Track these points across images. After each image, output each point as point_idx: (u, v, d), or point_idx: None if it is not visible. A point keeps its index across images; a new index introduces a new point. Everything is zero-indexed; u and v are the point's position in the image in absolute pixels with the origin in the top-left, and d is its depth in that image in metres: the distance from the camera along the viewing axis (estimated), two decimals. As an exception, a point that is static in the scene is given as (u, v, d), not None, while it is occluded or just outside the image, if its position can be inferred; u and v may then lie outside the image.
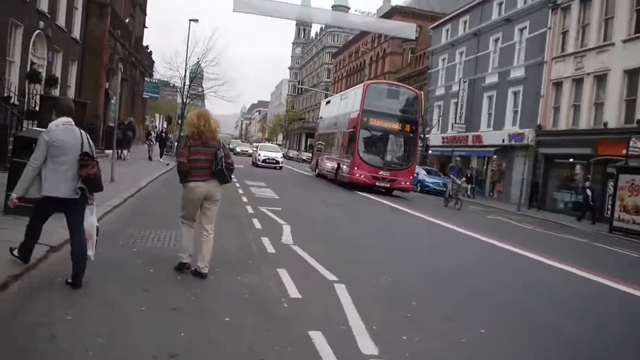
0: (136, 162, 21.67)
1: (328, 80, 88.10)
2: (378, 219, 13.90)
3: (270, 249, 7.42)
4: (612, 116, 23.00)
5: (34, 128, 7.52)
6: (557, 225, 19.44)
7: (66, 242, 6.14)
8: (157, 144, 27.76)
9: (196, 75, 35.17)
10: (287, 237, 8.60)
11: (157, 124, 61.85)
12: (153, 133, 28.15)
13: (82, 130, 4.93)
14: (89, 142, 4.83)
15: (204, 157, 5.56)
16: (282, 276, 5.92)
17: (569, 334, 5.26)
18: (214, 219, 5.85)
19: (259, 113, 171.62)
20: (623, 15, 22.95)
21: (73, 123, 4.83)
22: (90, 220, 5.01)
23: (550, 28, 27.69)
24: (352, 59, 72.63)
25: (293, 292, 5.37)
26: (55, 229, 6.50)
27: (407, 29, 31.58)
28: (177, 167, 5.83)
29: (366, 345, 4.14)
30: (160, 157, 26.44)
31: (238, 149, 51.79)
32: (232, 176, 6.10)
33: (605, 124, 23.31)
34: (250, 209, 11.64)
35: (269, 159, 33.24)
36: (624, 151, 20.14)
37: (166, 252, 6.47)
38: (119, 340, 3.68)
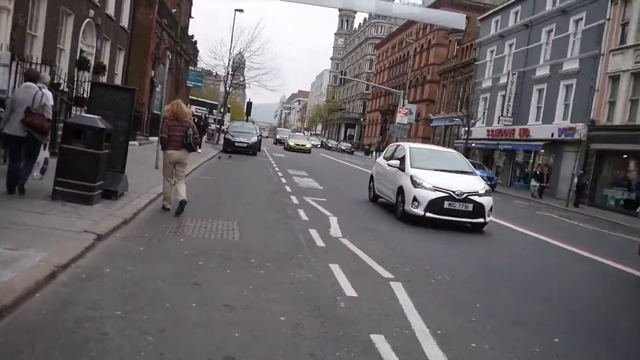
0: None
1: (370, 71, 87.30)
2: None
3: (320, 242, 7.13)
4: (673, 111, 21.75)
5: (82, 114, 7.44)
6: (610, 223, 18.53)
7: (113, 230, 6.01)
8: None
9: (239, 65, 35.13)
10: (335, 229, 8.30)
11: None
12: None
13: (43, 92, 6.78)
14: (40, 100, 6.67)
15: (178, 133, 7.82)
16: (335, 272, 5.62)
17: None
18: (183, 176, 8.13)
19: (299, 103, 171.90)
20: (689, 5, 21.62)
21: (33, 85, 6.80)
22: (43, 153, 6.98)
23: (609, 19, 26.36)
24: (395, 50, 71.68)
25: (348, 290, 5.06)
26: (104, 217, 6.39)
27: (456, 19, 30.48)
28: (160, 140, 8.07)
29: (433, 353, 3.80)
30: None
31: (291, 142, 40.49)
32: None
33: (665, 120, 22.08)
34: (295, 199, 11.39)
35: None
36: (686, 148, 19.04)
37: (214, 244, 6.25)
38: (171, 340, 3.43)
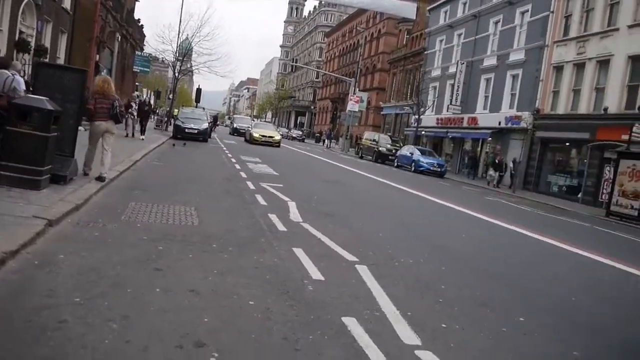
0: (116, 141, 19.92)
1: (320, 59, 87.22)
2: (379, 198, 13.51)
3: (281, 227, 7.00)
4: (613, 102, 22.74)
5: (28, 95, 6.98)
6: (554, 208, 19.25)
7: (65, 215, 5.71)
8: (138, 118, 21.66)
9: (188, 50, 34.28)
10: (295, 214, 8.18)
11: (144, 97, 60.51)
12: (134, 104, 21.26)
13: (14, 77, 7.24)
14: (10, 84, 7.10)
15: (105, 105, 8.33)
16: (299, 256, 5.52)
17: (616, 330, 4.93)
18: (110, 143, 8.62)
19: (248, 90, 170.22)
20: (629, 0, 22.54)
21: (5, 72, 7.21)
22: None
23: (553, 12, 27.25)
24: (345, 38, 71.82)
25: (315, 273, 4.97)
26: (55, 202, 6.05)
27: (406, 9, 31.03)
28: (87, 112, 8.38)
29: (406, 334, 3.76)
30: (142, 133, 20.85)
31: (255, 134, 31.77)
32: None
33: (605, 109, 23.05)
34: (251, 185, 11.20)
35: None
36: (624, 136, 19.94)
37: (173, 229, 6.02)
38: (136, 326, 3.24)
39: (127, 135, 19.71)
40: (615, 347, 4.33)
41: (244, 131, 38.01)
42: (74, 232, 5.30)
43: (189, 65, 38.80)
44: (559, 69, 26.69)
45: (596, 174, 23.19)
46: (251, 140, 31.08)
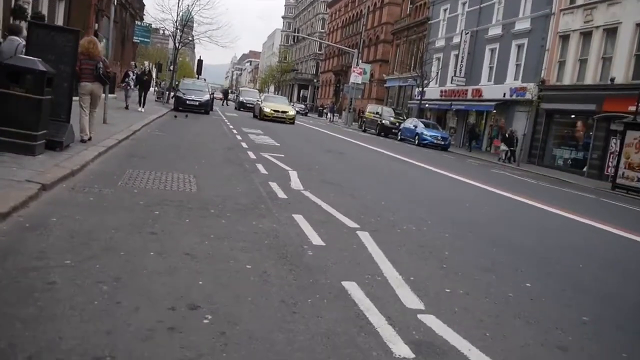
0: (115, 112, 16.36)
1: (323, 30, 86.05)
2: (382, 169, 13.35)
3: (281, 194, 6.86)
4: (620, 72, 22.31)
5: (20, 56, 6.77)
6: (559, 181, 19.07)
7: (60, 180, 5.57)
8: (137, 88, 20.93)
9: (189, 20, 33.72)
10: (295, 182, 8.04)
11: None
12: (131, 74, 20.13)
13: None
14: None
15: (89, 66, 8.36)
16: (299, 222, 5.39)
17: (622, 294, 4.81)
18: (97, 105, 8.89)
19: (250, 64, 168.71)
20: (639, -35, 21.95)
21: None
22: None
23: (561, -23, 26.61)
24: (348, 9, 70.69)
25: (315, 239, 4.84)
26: (49, 168, 5.91)
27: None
28: (74, 73, 7.94)
29: (409, 298, 3.64)
30: (141, 105, 19.91)
31: (266, 109, 28.22)
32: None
33: (612, 80, 22.64)
34: (252, 155, 11.04)
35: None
36: (631, 107, 19.61)
37: (170, 195, 5.88)
38: (128, 288, 3.12)
39: (126, 107, 18.74)
40: (623, 312, 4.21)
41: (251, 105, 34.96)
42: (68, 197, 5.16)
43: (189, 38, 38.25)
44: (565, 38, 26.17)
45: (602, 146, 22.90)
46: (261, 116, 27.59)
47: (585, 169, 23.75)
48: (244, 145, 13.04)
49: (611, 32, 23.22)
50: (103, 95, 9.63)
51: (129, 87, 19.64)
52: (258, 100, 31.58)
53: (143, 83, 20.81)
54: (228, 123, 21.46)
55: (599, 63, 23.81)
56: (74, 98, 7.72)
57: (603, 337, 3.59)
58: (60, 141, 7.10)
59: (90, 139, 8.47)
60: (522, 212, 9.25)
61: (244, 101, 39.16)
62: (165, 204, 5.38)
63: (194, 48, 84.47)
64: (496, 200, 10.29)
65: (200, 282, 3.37)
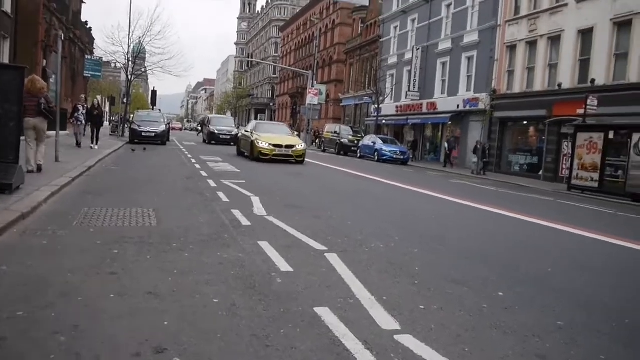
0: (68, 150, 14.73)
1: (276, 54, 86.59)
2: (345, 187, 13.33)
3: (245, 222, 6.71)
4: (566, 77, 23.14)
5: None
6: (517, 186, 19.46)
7: (10, 225, 5.30)
8: (89, 123, 19.65)
9: (140, 51, 33.35)
10: (258, 208, 7.90)
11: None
12: (81, 108, 18.41)
13: None
14: None
15: (32, 104, 8.98)
16: (265, 249, 5.26)
17: (592, 294, 4.83)
18: (42, 139, 9.56)
19: (205, 91, 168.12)
20: (576, -25, 22.93)
21: None
22: None
23: (502, -10, 27.55)
24: (300, 32, 71.43)
25: (282, 265, 4.71)
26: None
27: (360, -4, 30.93)
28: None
29: (384, 319, 3.54)
30: (94, 142, 18.44)
31: (263, 143, 18.61)
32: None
33: (559, 85, 23.45)
34: (212, 183, 10.84)
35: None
36: (579, 110, 20.28)
37: (129, 231, 5.66)
38: (87, 336, 2.92)
39: (77, 145, 17.46)
40: (595, 314, 4.21)
41: (226, 137, 29.49)
42: (19, 242, 4.90)
43: (142, 69, 37.84)
44: (512, 48, 27.01)
45: (555, 150, 23.58)
46: (255, 155, 18.22)
47: (541, 173, 24.36)
48: (204, 173, 12.83)
49: (555, 39, 24.09)
50: (53, 132, 9.51)
51: (79, 123, 18.36)
52: (245, 132, 20.85)
53: (94, 118, 19.49)
54: (186, 152, 21.15)
55: (546, 70, 24.63)
56: (22, 138, 7.43)
57: (579, 342, 3.56)
58: (9, 183, 6.79)
59: (40, 169, 9.26)
60: (486, 220, 9.32)
61: (216, 131, 30.33)
62: (125, 241, 5.17)
63: (148, 79, 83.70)
64: (460, 210, 10.36)
65: (166, 322, 3.20)
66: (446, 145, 29.85)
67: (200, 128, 49.78)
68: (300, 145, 18.95)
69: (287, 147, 18.42)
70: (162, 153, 19.70)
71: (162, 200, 8.12)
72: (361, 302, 3.87)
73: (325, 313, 3.55)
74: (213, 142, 30.02)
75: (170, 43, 71.42)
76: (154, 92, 38.27)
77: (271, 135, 19.24)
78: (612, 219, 11.53)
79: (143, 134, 23.88)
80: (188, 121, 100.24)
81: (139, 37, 32.42)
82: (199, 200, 8.40)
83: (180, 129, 70.10)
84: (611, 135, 17.78)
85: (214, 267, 4.52)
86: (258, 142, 18.35)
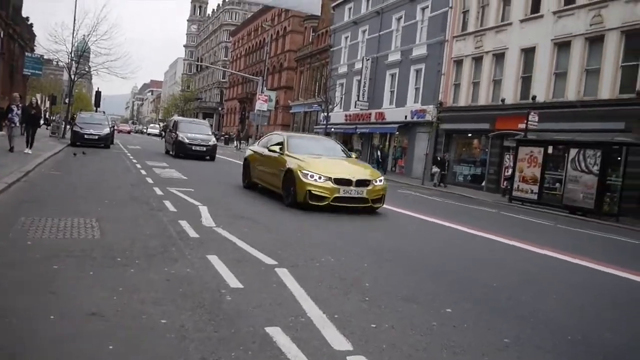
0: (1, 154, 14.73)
1: (226, 58, 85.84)
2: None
3: (193, 234, 6.55)
4: (509, 92, 23.97)
5: None
6: (462, 197, 19.96)
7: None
8: (23, 125, 17.74)
9: (85, 51, 32.29)
10: (207, 219, 7.75)
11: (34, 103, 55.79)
12: (15, 108, 16.58)
13: None
14: None
15: None
16: (214, 264, 5.14)
17: (537, 310, 4.96)
18: None
19: (152, 93, 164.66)
20: (520, -4, 23.88)
21: None
22: None
23: (451, 7, 28.32)
24: (251, 37, 71.12)
25: (232, 281, 4.61)
26: None
27: (313, 5, 30.92)
28: None
29: (336, 339, 3.51)
30: (28, 145, 16.44)
31: (316, 178, 9.87)
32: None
33: (502, 100, 24.27)
34: (159, 191, 10.56)
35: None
36: (520, 125, 21.06)
37: (70, 244, 5.42)
38: (24, 362, 2.75)
39: (10, 149, 15.46)
40: (539, 330, 4.32)
41: (201, 149, 22.64)
42: (-51, 256, 4.60)
43: (86, 68, 36.63)
44: (459, 62, 27.78)
45: (497, 162, 24.35)
46: (302, 197, 9.92)
47: (483, 184, 25.10)
48: (149, 180, 12.49)
49: (499, 56, 24.95)
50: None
51: (12, 125, 16.31)
52: (270, 150, 11.61)
53: (30, 118, 17.30)
54: (131, 157, 20.58)
55: (490, 85, 25.44)
56: None
57: (526, 359, 3.65)
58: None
59: None
60: (434, 233, 9.48)
61: (186, 141, 22.53)
62: (65, 255, 4.94)
63: (91, 79, 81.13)
64: (407, 222, 10.50)
65: (111, 347, 3.05)
66: (378, 153, 31.95)
67: (162, 134, 44.27)
68: (378, 179, 10.36)
69: (359, 183, 9.98)
70: (105, 157, 19.09)
71: (106, 209, 7.84)
72: (313, 320, 3.83)
73: (276, 333, 3.49)
74: (182, 154, 22.26)
75: (117, 44, 69.62)
76: (98, 93, 37.12)
77: (324, 160, 10.80)
78: (554, 231, 11.96)
79: (86, 136, 23.09)
80: (133, 123, 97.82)
81: (84, 36, 31.45)
82: (144, 210, 8.16)
83: (129, 132, 67.77)
84: (550, 150, 18.54)
85: (161, 284, 4.38)
86: (305, 175, 9.84)
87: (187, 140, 22.61)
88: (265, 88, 47.57)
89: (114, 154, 21.42)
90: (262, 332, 3.50)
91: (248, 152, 13.39)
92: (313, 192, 9.70)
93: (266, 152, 11.80)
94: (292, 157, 10.69)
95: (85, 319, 3.42)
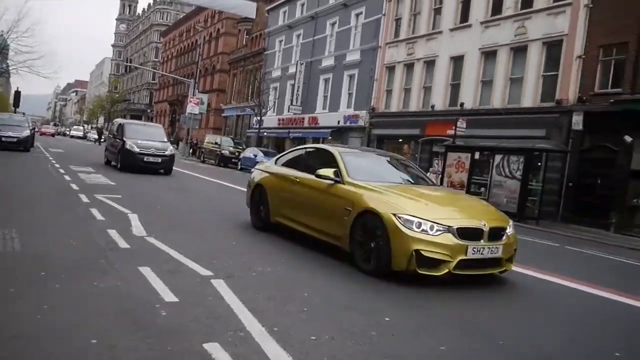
0: None
1: (156, 59, 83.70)
2: (230, 203, 13.07)
3: (123, 244, 6.28)
4: (439, 99, 24.74)
5: None
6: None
7: None
8: None
9: (3, 48, 30.51)
10: (137, 228, 7.46)
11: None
12: None
13: None
14: None
15: None
16: (147, 276, 4.94)
17: (472, 317, 5.08)
18: None
19: (76, 94, 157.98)
20: (450, 6, 24.73)
21: None
22: None
23: (384, 14, 28.91)
24: (182, 38, 69.75)
25: (167, 295, 4.43)
26: None
27: (247, 8, 30.86)
28: None
29: (276, 353, 3.44)
30: None
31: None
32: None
33: (432, 107, 25.01)
34: (85, 198, 10.07)
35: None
36: (449, 131, 21.77)
37: (-12, 257, 5.05)
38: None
39: None
40: (474, 338, 4.42)
41: (157, 161, 17.89)
42: None
43: (4, 66, 34.63)
44: (391, 69, 28.38)
45: (427, 167, 25.00)
46: (407, 262, 5.80)
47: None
48: (74, 187, 11.90)
49: (430, 64, 25.71)
50: None
51: None
52: (325, 169, 7.16)
53: None
54: (53, 161, 19.58)
55: (421, 92, 26.16)
56: None
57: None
58: None
59: None
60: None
61: (136, 149, 17.58)
62: (-18, 270, 4.59)
63: (10, 77, 76.69)
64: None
65: (34, 372, 2.84)
66: None
67: (101, 139, 39.17)
68: (509, 225, 6.68)
69: (493, 234, 6.12)
70: (26, 161, 18.07)
71: (27, 218, 7.39)
72: (252, 334, 3.74)
73: (215, 349, 3.38)
74: (129, 167, 17.45)
75: (40, 42, 66.04)
76: (18, 93, 35.16)
77: (415, 193, 6.83)
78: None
79: (3, 139, 21.75)
80: (55, 124, 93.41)
81: (2, 33, 29.70)
82: (69, 219, 7.75)
83: (53, 135, 64.37)
84: (477, 155, 19.27)
85: (89, 299, 4.14)
86: (409, 224, 5.91)
87: (137, 149, 17.44)
88: (197, 91, 46.74)
89: (34, 158, 20.31)
90: (200, 349, 3.38)
91: (259, 175, 8.92)
92: (425, 253, 5.73)
93: (302, 176, 7.69)
94: (362, 187, 6.58)
95: (6, 343, 3.17)
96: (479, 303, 5.48)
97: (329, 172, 7.03)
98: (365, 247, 6.24)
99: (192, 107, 42.84)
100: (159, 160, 17.97)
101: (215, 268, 5.52)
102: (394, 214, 5.91)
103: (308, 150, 8.81)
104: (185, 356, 3.25)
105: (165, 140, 19.55)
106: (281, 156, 9.10)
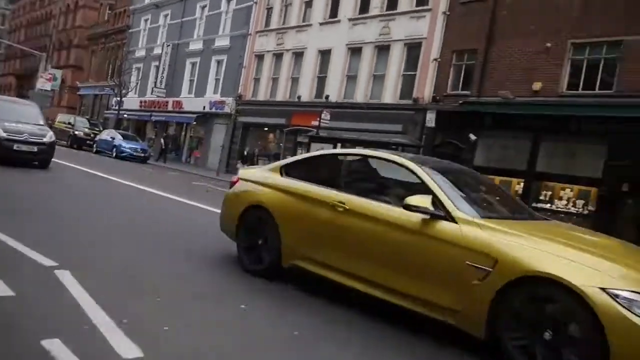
0: None
1: (3, 27, 75.47)
2: (84, 188, 12.25)
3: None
4: (306, 90, 25.24)
5: None
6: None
7: None
8: None
9: None
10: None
11: None
12: None
13: None
14: None
15: None
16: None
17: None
18: None
19: None
20: (321, 1, 25.25)
21: None
22: None
23: (256, 2, 28.79)
24: (35, 7, 63.74)
25: (3, 289, 4.03)
26: None
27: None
28: None
29: (124, 346, 3.30)
30: None
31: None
32: None
33: (299, 97, 25.46)
34: None
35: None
36: (314, 122, 22.35)
37: None
38: None
39: None
40: (330, 324, 4.60)
41: (33, 150, 13.21)
42: None
43: None
44: (260, 57, 28.35)
45: (291, 156, 25.45)
46: None
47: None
48: None
49: (299, 55, 26.12)
50: None
51: None
52: (418, 198, 4.36)
53: None
54: None
55: (288, 82, 26.50)
56: None
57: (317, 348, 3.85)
58: None
59: None
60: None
61: (6, 137, 12.78)
62: None
63: None
64: (203, 215, 10.37)
65: None
66: (162, 142, 31.14)
67: None
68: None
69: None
70: None
71: None
72: (98, 328, 3.53)
73: (55, 346, 3.14)
74: None
75: None
76: None
77: (570, 236, 4.46)
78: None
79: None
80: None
81: None
82: None
83: None
84: (339, 147, 19.98)
85: None
86: (629, 304, 3.36)
87: (4, 135, 12.82)
88: (49, 65, 42.98)
89: None
90: (37, 346, 3.12)
91: (255, 189, 5.88)
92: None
93: (354, 201, 4.90)
94: (493, 229, 4.12)
95: None
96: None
97: (424, 201, 4.37)
98: (538, 344, 3.63)
99: (44, 84, 39.32)
100: (35, 149, 13.29)
101: (60, 257, 5.12)
102: (604, 289, 3.44)
103: (353, 158, 5.91)
104: (23, 354, 3.01)
105: (43, 123, 14.68)
106: (294, 163, 6.03)
